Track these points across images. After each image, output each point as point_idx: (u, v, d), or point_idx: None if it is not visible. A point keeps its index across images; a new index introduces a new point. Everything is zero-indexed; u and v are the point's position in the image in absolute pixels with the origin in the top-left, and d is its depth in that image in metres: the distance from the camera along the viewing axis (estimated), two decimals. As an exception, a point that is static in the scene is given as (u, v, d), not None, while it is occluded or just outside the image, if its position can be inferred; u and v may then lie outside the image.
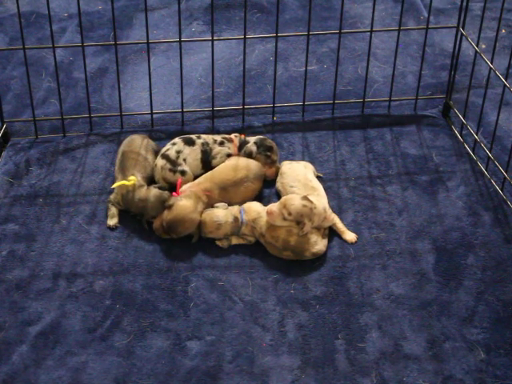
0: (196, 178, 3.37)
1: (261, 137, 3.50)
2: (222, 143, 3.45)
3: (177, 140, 3.44)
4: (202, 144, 3.43)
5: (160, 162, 3.38)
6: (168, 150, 3.41)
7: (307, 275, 3.07)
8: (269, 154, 3.42)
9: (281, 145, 3.62)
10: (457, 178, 3.49)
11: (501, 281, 3.05)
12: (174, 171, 3.36)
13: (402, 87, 3.99)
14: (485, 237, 3.22)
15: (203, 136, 3.48)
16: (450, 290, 3.02)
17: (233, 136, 3.50)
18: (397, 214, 3.32)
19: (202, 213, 3.18)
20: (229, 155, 3.43)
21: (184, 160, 3.38)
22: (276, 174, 3.42)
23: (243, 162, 3.35)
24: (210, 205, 3.23)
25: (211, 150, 3.43)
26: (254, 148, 3.43)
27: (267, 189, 3.41)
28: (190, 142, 3.42)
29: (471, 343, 2.84)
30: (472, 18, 4.33)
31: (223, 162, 3.41)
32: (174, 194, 3.25)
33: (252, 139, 3.48)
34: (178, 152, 3.39)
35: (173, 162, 3.36)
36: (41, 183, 3.43)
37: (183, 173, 3.36)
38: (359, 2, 4.61)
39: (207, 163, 3.41)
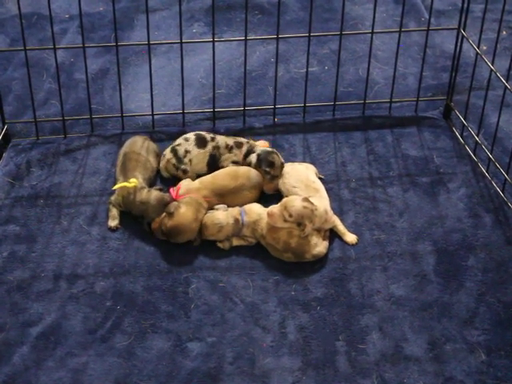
0: (198, 176, 3.37)
1: (268, 149, 3.39)
2: (231, 149, 3.43)
3: (191, 137, 3.43)
4: (213, 148, 3.41)
5: (168, 154, 3.40)
6: (179, 145, 3.41)
7: (308, 276, 3.07)
8: (268, 169, 3.32)
9: (282, 146, 3.62)
10: (458, 179, 3.49)
11: (502, 282, 3.05)
12: (176, 168, 3.38)
13: (402, 89, 3.98)
14: (486, 238, 3.22)
15: (218, 138, 3.44)
16: (451, 291, 3.02)
17: (244, 141, 3.45)
18: (397, 215, 3.32)
19: (202, 219, 3.17)
20: (235, 162, 3.41)
21: (190, 161, 3.39)
22: (274, 190, 3.34)
23: (243, 170, 3.33)
24: (209, 208, 3.22)
25: (220, 155, 3.41)
26: (253, 160, 3.36)
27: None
28: (201, 144, 3.41)
29: (472, 345, 2.84)
30: (473, 19, 4.32)
31: None
32: (171, 189, 3.25)
33: (258, 150, 3.40)
34: (187, 152, 3.39)
35: (179, 159, 3.38)
36: (42, 184, 3.43)
37: (185, 171, 3.37)
38: (360, 4, 4.61)
39: (213, 167, 3.40)
